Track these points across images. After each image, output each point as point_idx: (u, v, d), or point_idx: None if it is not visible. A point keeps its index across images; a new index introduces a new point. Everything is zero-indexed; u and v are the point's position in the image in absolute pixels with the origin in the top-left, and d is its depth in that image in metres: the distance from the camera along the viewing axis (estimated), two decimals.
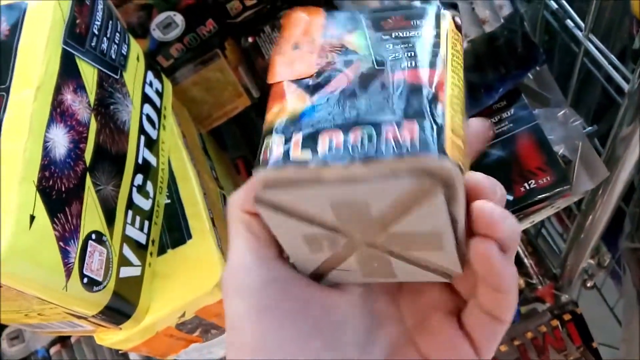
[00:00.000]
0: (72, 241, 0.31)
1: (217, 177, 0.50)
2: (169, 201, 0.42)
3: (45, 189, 0.30)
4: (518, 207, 0.47)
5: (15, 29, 0.33)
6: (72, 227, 0.31)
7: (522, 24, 0.49)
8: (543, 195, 0.47)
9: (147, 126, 0.41)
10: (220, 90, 0.55)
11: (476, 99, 0.50)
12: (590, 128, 0.52)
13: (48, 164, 0.31)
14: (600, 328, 0.93)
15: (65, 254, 0.31)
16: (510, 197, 0.47)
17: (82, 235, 0.32)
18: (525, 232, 0.86)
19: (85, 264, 0.33)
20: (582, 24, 0.48)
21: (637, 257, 0.71)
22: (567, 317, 0.81)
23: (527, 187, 0.47)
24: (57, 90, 0.33)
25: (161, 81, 0.44)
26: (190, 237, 0.41)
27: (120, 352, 0.54)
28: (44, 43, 0.32)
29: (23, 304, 0.32)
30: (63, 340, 0.55)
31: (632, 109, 0.43)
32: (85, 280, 0.33)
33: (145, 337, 0.40)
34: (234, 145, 0.71)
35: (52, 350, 0.54)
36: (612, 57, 0.46)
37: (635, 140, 0.45)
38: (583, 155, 0.49)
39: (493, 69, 0.50)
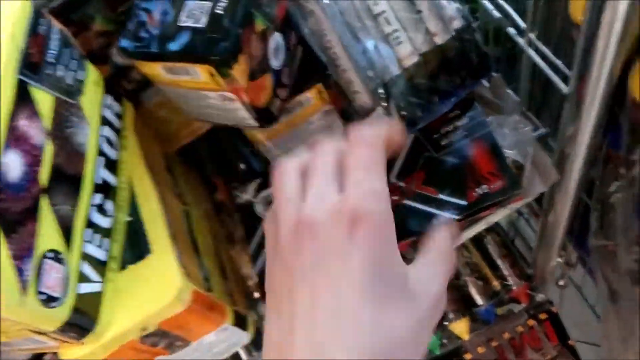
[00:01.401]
0: (27, 259, 0.33)
1: (180, 193, 0.52)
2: (130, 219, 0.43)
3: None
4: (472, 211, 0.49)
5: None
6: (27, 246, 0.33)
7: (473, 35, 0.51)
8: (495, 200, 0.48)
9: (106, 147, 0.42)
10: None
11: (431, 108, 0.52)
12: (542, 130, 0.54)
13: (3, 187, 0.32)
14: (582, 327, 0.94)
15: (20, 271, 0.32)
16: (465, 202, 0.49)
17: (38, 253, 0.34)
18: (498, 234, 0.88)
19: (41, 281, 0.34)
20: (523, 25, 0.50)
21: (604, 254, 0.73)
22: (543, 316, 0.82)
23: (480, 192, 0.49)
24: (12, 117, 0.34)
25: (121, 104, 0.46)
26: (149, 252, 0.42)
27: None
28: None
29: None
30: (37, 358, 0.56)
31: (572, 108, 0.45)
32: (43, 297, 0.34)
33: (109, 350, 0.41)
34: (210, 162, 0.73)
35: None
36: (554, 58, 0.49)
37: (580, 139, 0.47)
38: (535, 160, 0.51)
39: (446, 80, 0.52)
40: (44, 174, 0.35)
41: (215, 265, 0.50)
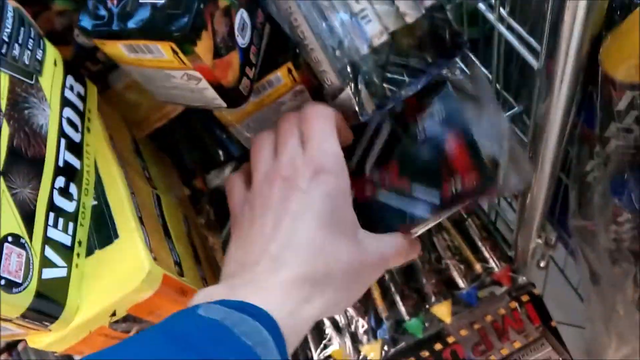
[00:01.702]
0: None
1: (151, 177, 0.51)
2: (95, 202, 0.42)
3: None
4: (445, 205, 0.47)
5: None
6: None
7: (445, 13, 0.50)
8: (469, 196, 0.47)
9: (69, 129, 0.41)
10: None
11: (401, 88, 0.50)
12: (516, 108, 0.53)
13: None
14: (567, 309, 0.94)
15: None
16: (438, 202, 0.47)
17: None
18: (479, 217, 0.88)
19: (1, 266, 0.33)
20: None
21: (583, 234, 0.73)
22: (525, 298, 0.82)
23: (455, 189, 0.47)
24: None
25: (84, 85, 0.45)
26: (117, 236, 0.41)
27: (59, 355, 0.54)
28: None
29: None
30: (9, 348, 0.55)
31: (544, 84, 0.45)
32: (3, 282, 0.33)
33: (79, 337, 0.40)
34: (187, 150, 0.72)
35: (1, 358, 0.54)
36: (524, 33, 0.48)
37: (552, 115, 0.47)
38: (511, 154, 0.50)
39: (417, 59, 0.51)
40: (1, 157, 0.34)
41: (188, 251, 0.49)
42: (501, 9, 0.47)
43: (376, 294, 0.81)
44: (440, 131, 0.50)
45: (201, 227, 0.65)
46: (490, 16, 0.48)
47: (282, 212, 0.36)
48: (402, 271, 0.83)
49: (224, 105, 0.45)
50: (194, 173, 0.70)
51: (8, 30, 0.37)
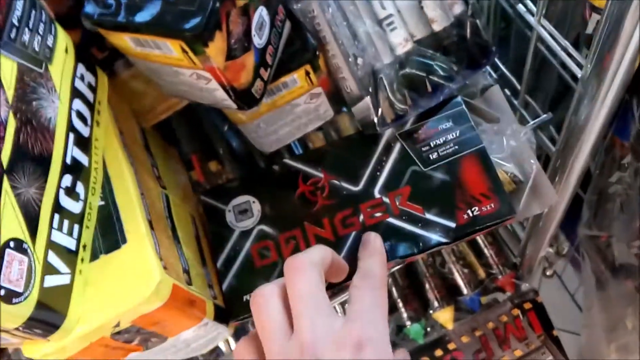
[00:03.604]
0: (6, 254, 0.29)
1: (160, 176, 0.48)
2: (102, 203, 0.39)
3: None
4: (461, 234, 0.45)
5: None
6: None
7: (474, 20, 0.47)
8: (486, 223, 0.45)
9: (78, 123, 0.38)
10: None
11: (422, 98, 0.48)
12: (545, 116, 0.51)
13: None
14: (561, 315, 0.93)
15: None
16: (453, 224, 0.45)
17: None
18: None
19: (1, 275, 0.30)
20: (534, 9, 0.46)
21: (595, 245, 0.71)
22: (527, 305, 0.81)
23: (471, 215, 0.45)
24: None
25: (95, 74, 0.42)
26: (125, 241, 0.38)
27: None
28: None
29: None
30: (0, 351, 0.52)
31: (586, 96, 0.42)
32: (2, 292, 0.30)
33: (77, 348, 0.38)
34: (187, 140, 0.69)
35: None
36: (566, 42, 0.45)
37: (589, 127, 0.44)
38: (533, 178, 0.47)
39: (442, 69, 0.48)
40: (5, 153, 0.31)
41: (196, 255, 0.46)
42: (542, 20, 0.45)
43: None
44: (455, 153, 0.47)
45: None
46: (531, 19, 0.46)
47: None
48: (405, 274, 0.81)
49: (234, 106, 0.42)
50: (192, 165, 0.67)
51: (19, 13, 0.34)
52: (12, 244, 0.31)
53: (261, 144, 0.52)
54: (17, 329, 0.32)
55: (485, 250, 0.83)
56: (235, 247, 0.48)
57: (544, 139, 0.54)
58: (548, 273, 0.80)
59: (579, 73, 0.42)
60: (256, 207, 0.49)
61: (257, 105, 0.43)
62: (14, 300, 0.31)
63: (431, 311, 0.78)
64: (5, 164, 0.31)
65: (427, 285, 0.79)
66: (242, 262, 0.47)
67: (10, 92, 0.32)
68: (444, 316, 0.78)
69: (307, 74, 0.47)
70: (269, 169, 0.51)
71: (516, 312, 0.81)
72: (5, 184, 0.31)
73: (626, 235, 0.58)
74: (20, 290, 0.31)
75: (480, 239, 0.83)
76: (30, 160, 0.33)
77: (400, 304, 0.77)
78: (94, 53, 0.46)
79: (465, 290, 0.80)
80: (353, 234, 0.46)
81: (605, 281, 0.73)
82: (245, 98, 0.41)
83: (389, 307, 0.77)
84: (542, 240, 0.67)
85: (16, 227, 0.32)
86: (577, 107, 0.45)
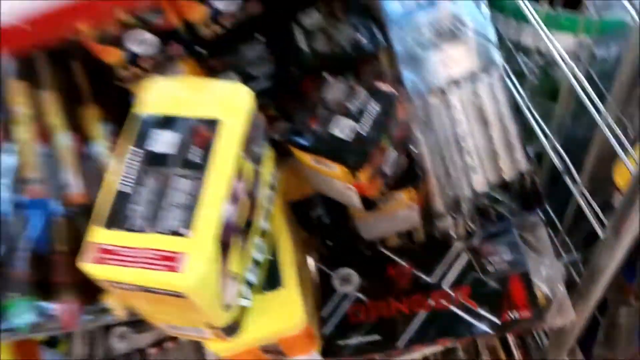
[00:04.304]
0: (230, 280, 0.50)
1: (296, 240, 0.68)
2: (271, 258, 0.60)
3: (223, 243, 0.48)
4: (502, 330, 0.64)
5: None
6: (228, 269, 0.49)
7: (534, 177, 0.67)
8: (521, 326, 0.64)
9: (266, 203, 0.59)
10: None
11: (488, 225, 0.68)
12: (574, 257, 0.70)
13: (226, 227, 0.49)
14: None
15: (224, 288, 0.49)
16: (499, 322, 0.64)
17: (232, 274, 0.50)
18: None
19: (227, 294, 0.50)
20: (578, 179, 0.66)
21: None
22: None
23: (512, 317, 0.65)
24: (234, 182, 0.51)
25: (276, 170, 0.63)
26: (281, 285, 0.58)
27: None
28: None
29: (185, 313, 0.49)
30: (159, 343, 0.72)
31: (605, 254, 0.61)
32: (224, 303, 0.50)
33: (239, 349, 0.57)
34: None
35: (151, 351, 0.71)
36: (596, 207, 0.65)
37: (603, 279, 0.63)
38: (559, 299, 0.67)
39: (505, 207, 0.68)
40: (241, 219, 0.52)
41: (307, 295, 0.66)
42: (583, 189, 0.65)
43: None
44: (506, 270, 0.67)
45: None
46: (575, 190, 0.66)
47: None
48: None
49: (361, 208, 0.62)
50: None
51: (257, 135, 0.55)
52: (233, 275, 0.51)
53: (367, 232, 0.72)
54: (218, 327, 0.52)
55: (514, 351, 0.98)
56: (337, 305, 0.67)
57: (572, 271, 0.73)
58: None
59: (600, 234, 0.62)
60: (355, 278, 0.69)
61: (375, 209, 0.64)
62: (228, 310, 0.51)
63: None
64: (241, 225, 0.52)
65: None
66: (341, 316, 0.67)
67: (249, 185, 0.53)
68: None
69: (410, 193, 0.67)
70: (369, 251, 0.71)
71: None
72: (237, 237, 0.52)
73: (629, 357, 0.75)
74: (232, 304, 0.51)
75: (511, 339, 0.99)
76: (247, 224, 0.54)
77: None
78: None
79: None
80: (423, 312, 0.65)
81: None
82: (370, 204, 0.62)
83: None
84: (561, 352, 0.83)
85: (236, 264, 0.52)
86: (598, 258, 0.63)
